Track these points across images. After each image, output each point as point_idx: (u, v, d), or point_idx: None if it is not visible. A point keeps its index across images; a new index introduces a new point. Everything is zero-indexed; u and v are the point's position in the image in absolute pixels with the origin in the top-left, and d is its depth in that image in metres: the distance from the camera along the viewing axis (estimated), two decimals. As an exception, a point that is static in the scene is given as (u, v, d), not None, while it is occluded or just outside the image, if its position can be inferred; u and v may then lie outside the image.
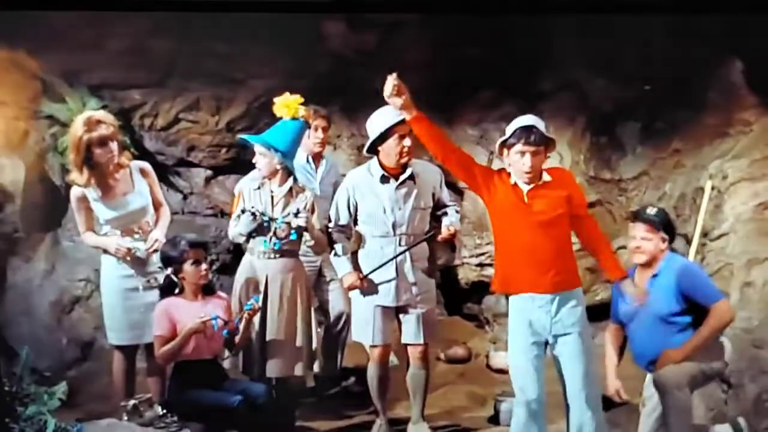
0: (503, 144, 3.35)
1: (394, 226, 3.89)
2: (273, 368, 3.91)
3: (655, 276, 3.58)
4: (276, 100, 3.88)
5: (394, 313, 3.97)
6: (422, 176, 3.95)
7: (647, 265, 3.61)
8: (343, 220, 3.97)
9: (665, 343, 3.50)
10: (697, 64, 4.97)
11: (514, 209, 3.33)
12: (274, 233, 3.85)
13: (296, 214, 3.85)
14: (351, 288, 3.97)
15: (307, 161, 4.50)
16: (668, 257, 3.61)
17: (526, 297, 3.37)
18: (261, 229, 3.86)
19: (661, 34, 5.05)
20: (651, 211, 3.68)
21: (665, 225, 3.63)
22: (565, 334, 3.36)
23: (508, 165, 3.38)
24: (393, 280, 3.89)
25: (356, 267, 3.95)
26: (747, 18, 4.59)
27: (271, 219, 3.86)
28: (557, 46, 5.29)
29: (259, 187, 3.94)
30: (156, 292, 3.90)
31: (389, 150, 3.85)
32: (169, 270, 3.76)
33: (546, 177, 3.38)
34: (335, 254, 4.00)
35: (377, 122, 3.86)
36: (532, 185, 3.33)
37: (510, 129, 3.35)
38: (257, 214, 3.84)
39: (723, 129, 4.94)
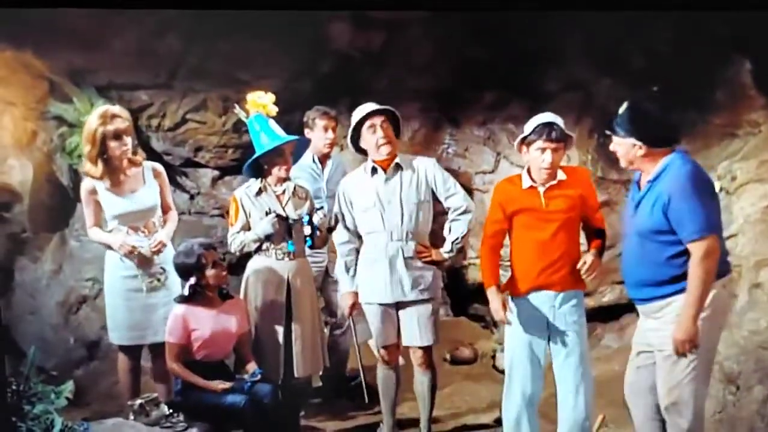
0: (523, 140, 3.39)
1: (383, 220, 3.86)
2: (302, 368, 3.93)
3: (650, 181, 3.11)
4: (249, 97, 3.94)
5: (394, 312, 3.93)
6: (412, 169, 3.90)
7: (642, 170, 3.16)
8: (349, 221, 3.97)
9: (650, 267, 3.07)
10: (705, 64, 4.94)
11: (531, 212, 3.41)
12: (311, 233, 3.89)
13: (317, 210, 3.94)
14: (347, 308, 4.00)
15: (314, 161, 4.50)
16: (672, 160, 3.07)
17: (532, 294, 3.42)
18: (283, 233, 3.87)
19: (669, 34, 5.02)
20: (619, 111, 3.15)
21: (630, 130, 3.09)
22: (564, 331, 3.42)
23: (526, 161, 3.44)
24: (386, 276, 3.86)
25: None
26: (756, 17, 4.56)
27: (296, 219, 3.89)
28: (563, 46, 5.28)
29: (259, 192, 3.94)
30: (158, 294, 3.94)
31: (367, 143, 3.87)
32: (193, 280, 3.73)
33: (561, 175, 3.42)
34: (341, 269, 4.01)
35: (353, 119, 3.90)
36: (548, 185, 3.39)
37: (530, 126, 3.39)
38: (281, 215, 3.86)
39: (731, 130, 4.91)
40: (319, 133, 4.46)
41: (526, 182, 3.43)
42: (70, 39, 5.08)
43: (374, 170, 3.90)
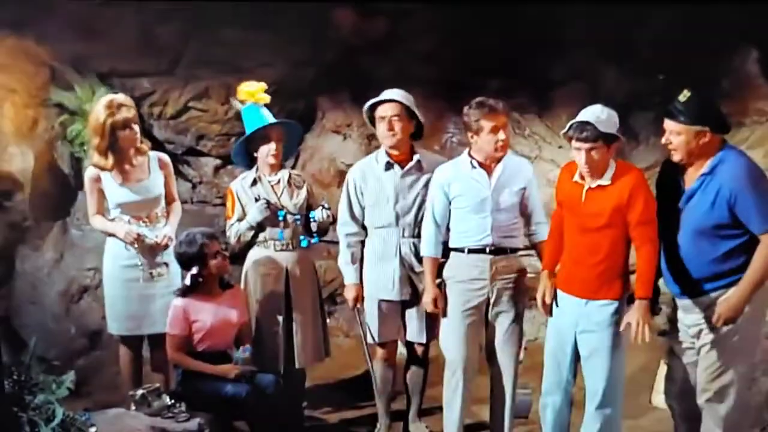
0: (566, 133, 3.25)
1: (397, 216, 3.77)
2: (302, 358, 3.92)
3: (704, 175, 3.05)
4: (240, 87, 3.92)
5: (399, 309, 3.86)
6: (431, 168, 3.74)
7: (693, 163, 3.10)
8: (357, 211, 3.84)
9: (702, 263, 3.02)
10: (712, 53, 4.90)
11: (570, 205, 3.32)
12: (317, 229, 3.88)
13: (322, 208, 3.89)
14: (351, 301, 3.88)
15: (474, 167, 3.65)
16: (726, 154, 3.04)
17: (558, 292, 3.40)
18: (274, 220, 3.85)
19: (675, 23, 4.99)
20: (681, 98, 3.07)
21: (699, 116, 3.02)
22: (589, 330, 3.33)
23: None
24: (396, 273, 3.78)
25: (361, 280, 3.85)
26: (763, 6, 4.53)
27: (288, 212, 3.87)
28: (569, 35, 5.24)
29: (255, 182, 3.91)
30: (157, 284, 3.91)
31: (379, 133, 3.78)
32: (195, 270, 3.70)
33: (606, 179, 3.21)
34: (346, 260, 3.87)
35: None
36: (592, 185, 3.23)
37: (571, 122, 3.23)
38: (270, 202, 3.85)
39: (738, 119, 4.87)
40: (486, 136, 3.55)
41: (577, 175, 3.29)
42: (72, 26, 5.05)
43: (389, 165, 3.78)
